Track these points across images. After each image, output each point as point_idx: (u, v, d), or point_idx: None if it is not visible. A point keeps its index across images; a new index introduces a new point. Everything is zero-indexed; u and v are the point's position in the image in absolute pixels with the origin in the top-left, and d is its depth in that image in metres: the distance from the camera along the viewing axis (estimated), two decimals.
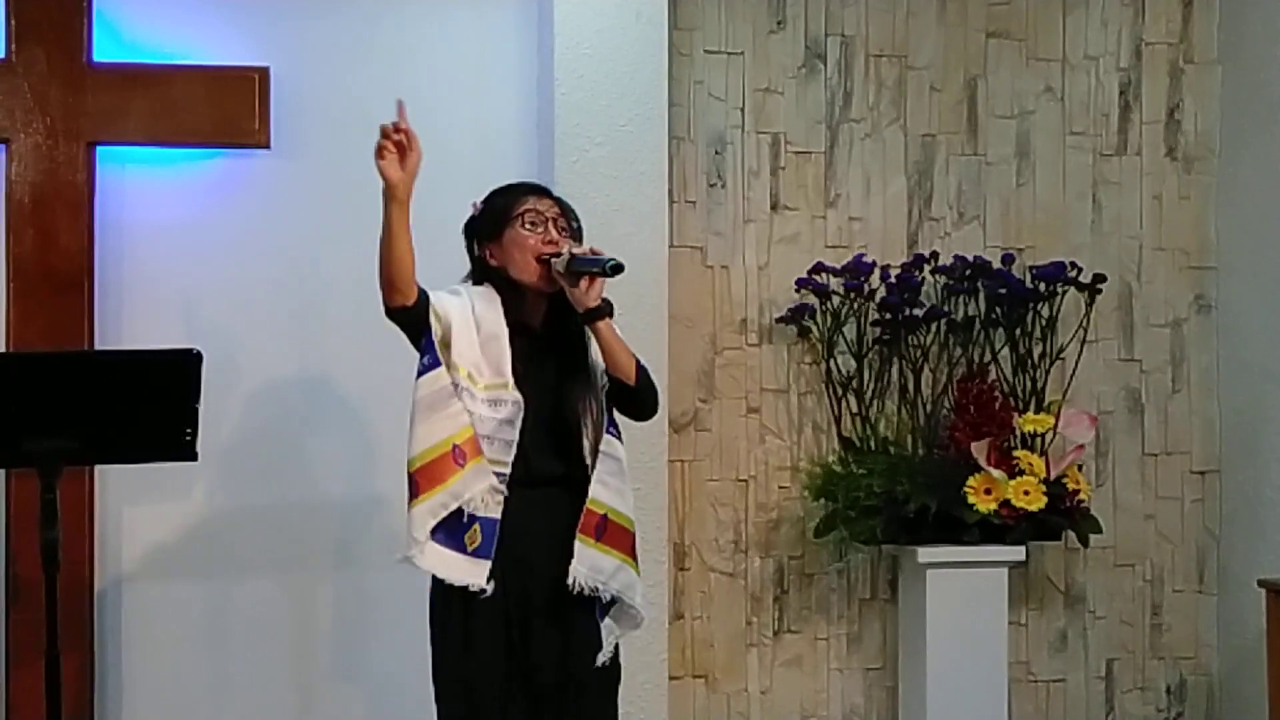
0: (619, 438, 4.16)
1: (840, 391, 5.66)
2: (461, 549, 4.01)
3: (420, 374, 4.03)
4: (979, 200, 5.86)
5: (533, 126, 5.43)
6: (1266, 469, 5.77)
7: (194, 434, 4.36)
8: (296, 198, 5.33)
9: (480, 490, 3.99)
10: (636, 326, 4.99)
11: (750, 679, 5.70)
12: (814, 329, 5.65)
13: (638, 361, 4.18)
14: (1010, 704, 5.60)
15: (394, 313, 4.05)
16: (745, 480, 5.71)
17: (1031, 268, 5.72)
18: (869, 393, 5.68)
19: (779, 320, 5.67)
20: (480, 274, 4.22)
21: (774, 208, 5.72)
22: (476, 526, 4.01)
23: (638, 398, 4.19)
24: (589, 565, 4.05)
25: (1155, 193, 5.98)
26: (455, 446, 3.98)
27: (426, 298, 4.07)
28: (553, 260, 4.08)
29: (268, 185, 5.31)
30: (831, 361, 5.66)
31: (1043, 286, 5.66)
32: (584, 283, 4.04)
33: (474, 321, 4.08)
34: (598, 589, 4.07)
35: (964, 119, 5.86)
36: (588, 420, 4.11)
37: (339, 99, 5.35)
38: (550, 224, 4.16)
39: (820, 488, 5.54)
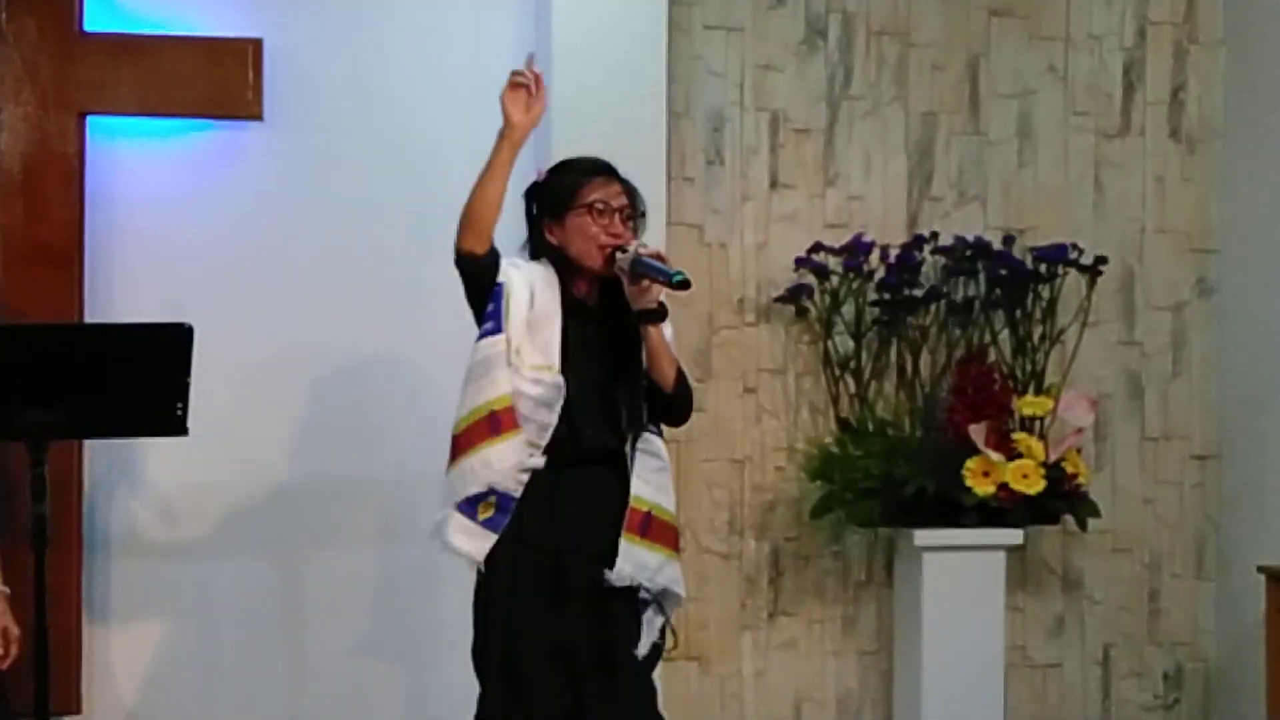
0: (660, 435, 4.19)
1: (838, 372, 5.63)
2: (473, 516, 4.00)
3: (480, 337, 4.04)
4: (980, 180, 5.82)
5: None
6: (1267, 455, 5.74)
7: (185, 408, 4.35)
8: (289, 170, 5.30)
9: (510, 465, 3.98)
10: None
11: (745, 661, 5.67)
12: (812, 309, 5.61)
13: (679, 370, 4.19)
14: (1006, 689, 5.58)
15: (464, 259, 4.04)
16: (741, 461, 5.68)
17: (1032, 249, 5.68)
18: (867, 374, 5.65)
19: (777, 300, 5.62)
20: (538, 247, 4.20)
21: (773, 186, 5.69)
22: (494, 499, 4.00)
23: (673, 405, 4.21)
24: (634, 562, 4.07)
25: (1158, 174, 5.94)
26: (493, 413, 3.99)
27: (498, 257, 4.06)
28: (618, 255, 4.07)
29: (260, 157, 5.27)
30: (829, 342, 5.62)
31: (1043, 268, 5.63)
32: (644, 282, 4.03)
33: (530, 299, 4.06)
34: (643, 584, 4.09)
35: (965, 98, 5.82)
36: (632, 402, 4.12)
37: (333, 71, 5.32)
38: (617, 215, 4.14)
39: (817, 469, 5.51)
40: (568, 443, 4.06)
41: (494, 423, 3.98)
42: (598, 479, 4.10)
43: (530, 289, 4.08)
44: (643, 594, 4.13)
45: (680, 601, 4.26)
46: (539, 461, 4.03)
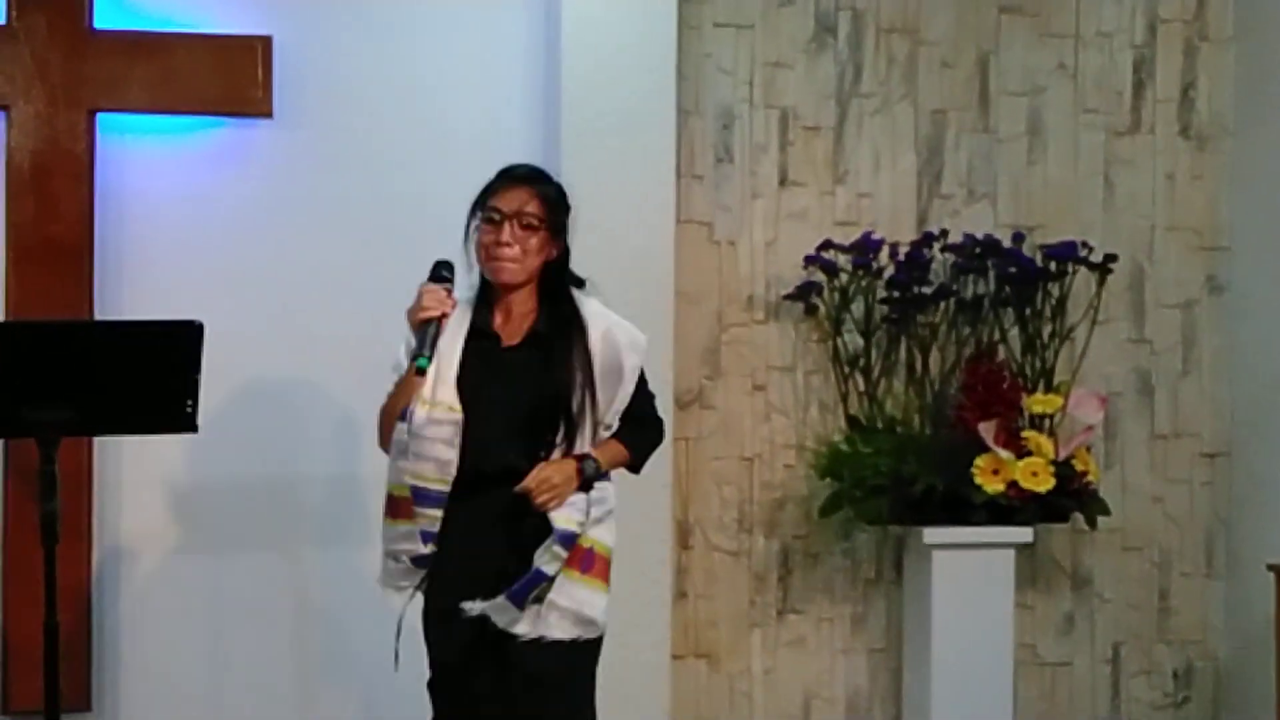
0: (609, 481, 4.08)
1: (847, 370, 5.62)
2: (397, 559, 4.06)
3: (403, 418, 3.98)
4: (990, 178, 5.82)
5: (540, 99, 5.39)
6: (1277, 453, 5.74)
7: (195, 405, 4.32)
8: (299, 167, 5.30)
9: (403, 548, 4.00)
10: (642, 302, 4.95)
11: (754, 659, 5.67)
12: (821, 306, 5.61)
13: (634, 446, 4.09)
14: (1016, 687, 5.57)
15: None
16: (750, 459, 5.67)
17: (1042, 247, 5.68)
18: (876, 371, 5.64)
19: (786, 297, 5.62)
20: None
21: (782, 183, 5.68)
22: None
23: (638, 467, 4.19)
24: (572, 599, 3.93)
25: (1168, 172, 5.93)
26: (390, 496, 4.00)
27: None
28: (426, 283, 3.98)
29: (270, 155, 5.28)
30: (839, 339, 5.62)
31: (1053, 266, 5.62)
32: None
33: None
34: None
35: (975, 95, 5.82)
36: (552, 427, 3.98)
37: (342, 69, 5.33)
38: (511, 222, 3.97)
39: (826, 467, 5.51)
40: (471, 471, 3.94)
41: (391, 505, 4.00)
42: (496, 504, 3.95)
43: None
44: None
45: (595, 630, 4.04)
46: (424, 550, 3.97)
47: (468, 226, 4.05)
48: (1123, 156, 5.90)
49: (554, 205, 4.03)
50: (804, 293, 5.59)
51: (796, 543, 5.70)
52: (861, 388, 5.64)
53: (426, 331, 3.87)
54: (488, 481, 3.94)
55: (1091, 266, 5.65)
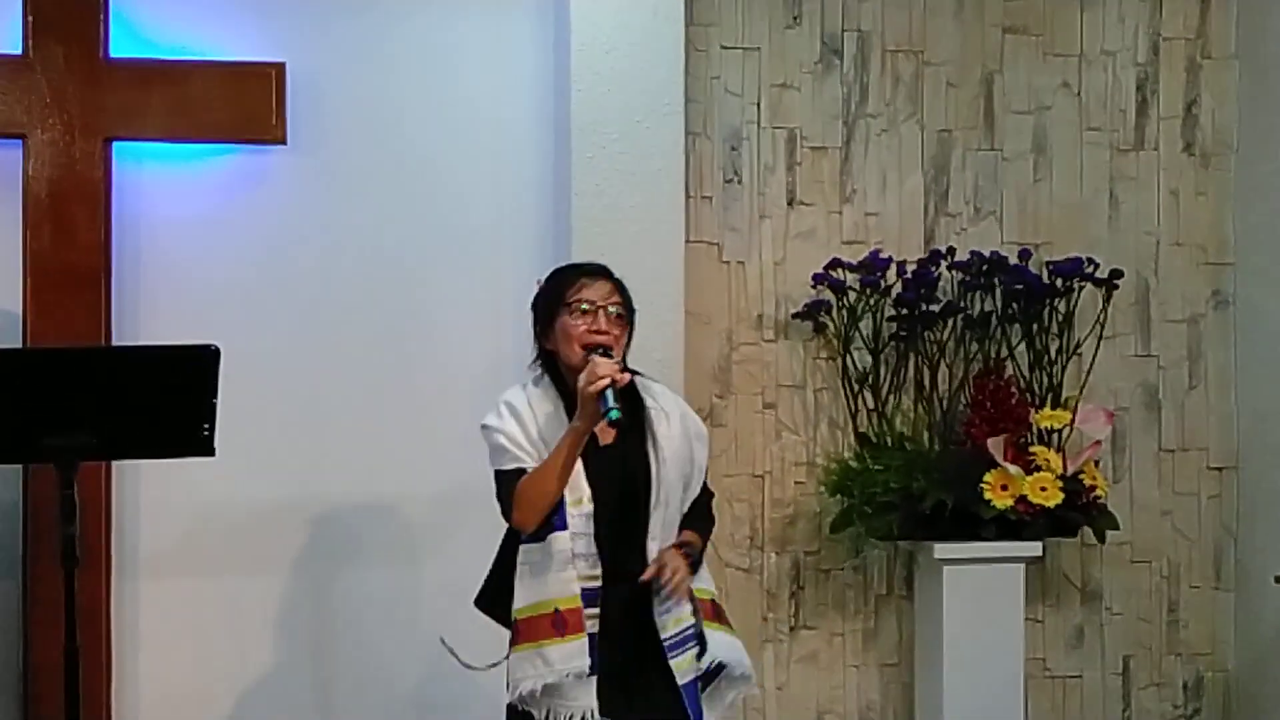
0: None
1: (856, 387, 5.66)
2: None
3: (544, 534, 4.05)
4: (996, 196, 5.86)
5: (549, 122, 5.43)
6: None
7: (211, 429, 4.36)
8: (313, 193, 5.34)
9: (568, 667, 4.01)
10: (653, 322, 4.99)
11: (766, 675, 5.69)
12: (830, 325, 5.65)
13: (704, 534, 4.30)
14: (1027, 700, 5.60)
15: (511, 526, 4.13)
16: (761, 476, 5.71)
17: (1048, 263, 5.71)
18: (885, 388, 5.68)
19: (795, 316, 5.66)
20: (543, 360, 4.22)
21: (790, 203, 5.72)
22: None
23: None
24: (723, 645, 4.20)
25: (1172, 188, 5.97)
26: (558, 611, 4.02)
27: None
28: (595, 355, 4.05)
29: (284, 181, 5.32)
30: (848, 357, 5.65)
31: (1059, 282, 5.66)
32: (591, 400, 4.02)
33: (541, 444, 4.09)
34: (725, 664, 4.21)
35: (980, 114, 5.86)
36: (656, 517, 4.13)
37: (356, 95, 5.37)
38: (601, 313, 4.13)
39: (836, 483, 5.54)
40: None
41: (558, 621, 4.01)
42: (628, 595, 4.09)
43: (535, 442, 4.09)
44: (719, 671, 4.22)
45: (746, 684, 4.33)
46: (585, 666, 4.01)
47: (547, 323, 4.17)
48: (1127, 173, 5.94)
49: (628, 298, 4.22)
50: (813, 311, 5.62)
51: (808, 559, 5.73)
52: (871, 405, 5.67)
53: (610, 391, 3.97)
54: (612, 577, 4.09)
55: (1097, 282, 5.69)
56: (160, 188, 5.24)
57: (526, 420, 4.12)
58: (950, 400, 5.72)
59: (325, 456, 5.33)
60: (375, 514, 5.35)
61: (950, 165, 5.83)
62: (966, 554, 5.45)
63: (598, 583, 4.06)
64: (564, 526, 4.02)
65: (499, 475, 4.13)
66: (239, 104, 5.16)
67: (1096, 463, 5.61)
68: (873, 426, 5.65)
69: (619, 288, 4.20)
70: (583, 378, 3.99)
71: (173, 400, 4.33)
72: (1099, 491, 5.54)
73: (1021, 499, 5.39)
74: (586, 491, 4.06)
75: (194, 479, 5.13)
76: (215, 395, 4.34)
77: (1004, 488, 5.39)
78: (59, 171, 5.05)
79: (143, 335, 5.16)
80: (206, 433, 4.36)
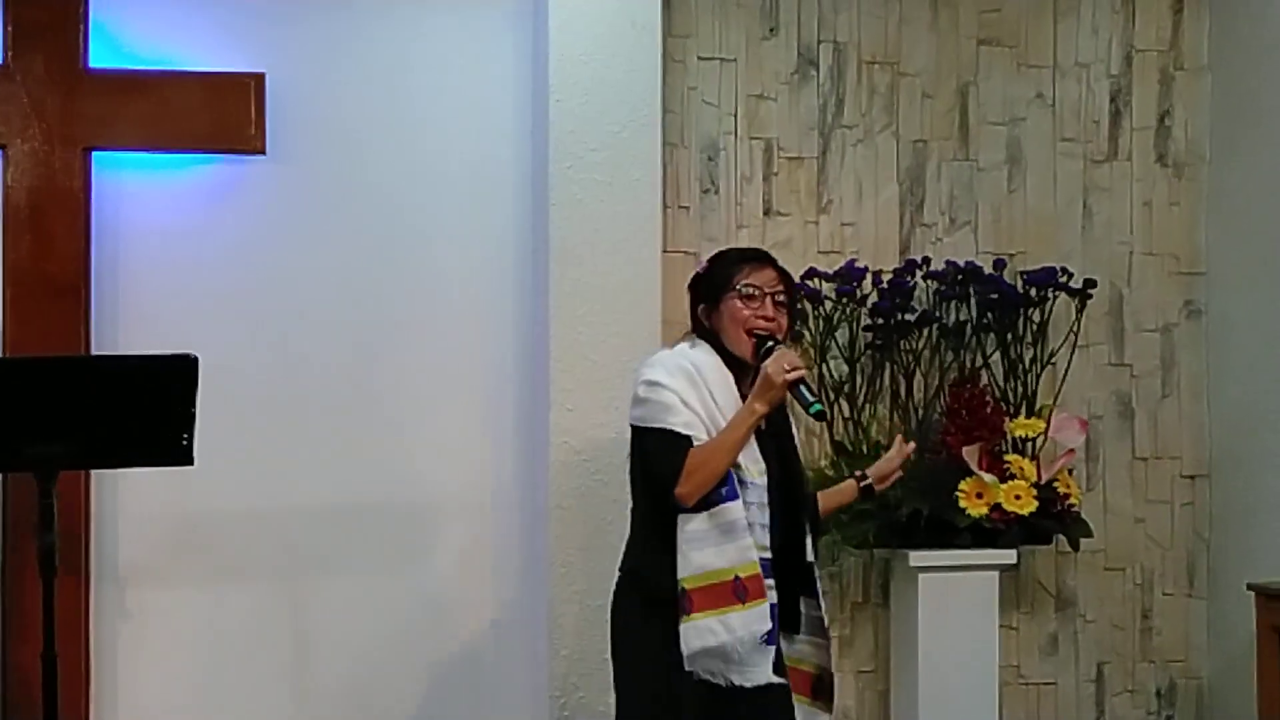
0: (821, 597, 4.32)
1: (832, 396, 5.68)
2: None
3: (719, 501, 4.08)
4: (970, 206, 5.89)
5: (528, 133, 5.45)
6: (1256, 473, 5.79)
7: (190, 438, 4.37)
8: (292, 203, 5.35)
9: (749, 632, 4.05)
10: (630, 331, 5.03)
11: None
12: (806, 334, 5.67)
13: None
14: (1001, 707, 5.61)
15: (674, 501, 4.11)
16: None
17: (1022, 273, 5.74)
18: (861, 397, 5.70)
19: None
20: (700, 334, 4.28)
21: (767, 213, 5.75)
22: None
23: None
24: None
25: (1145, 199, 6.00)
26: (738, 579, 4.05)
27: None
28: (766, 344, 4.16)
29: (263, 191, 5.33)
30: (824, 366, 5.67)
31: (1034, 292, 5.69)
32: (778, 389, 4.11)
33: (715, 414, 4.13)
34: None
35: (955, 125, 5.89)
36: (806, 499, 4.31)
37: (335, 105, 5.38)
38: (769, 299, 4.22)
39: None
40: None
41: (739, 589, 4.03)
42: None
43: (708, 406, 4.14)
44: None
45: None
46: (767, 629, 4.06)
47: (712, 304, 4.25)
48: (1101, 184, 5.98)
49: (792, 285, 4.35)
50: None
51: None
52: (847, 413, 5.69)
53: (805, 384, 4.11)
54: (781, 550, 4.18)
55: (1071, 292, 5.72)
56: (140, 197, 5.24)
57: (699, 382, 4.15)
58: (926, 409, 5.75)
59: (304, 466, 5.33)
60: (354, 524, 5.36)
61: (926, 176, 5.86)
62: (942, 562, 5.47)
63: (769, 554, 4.11)
64: (735, 497, 4.05)
65: (664, 434, 4.10)
66: (218, 114, 5.17)
67: (1070, 471, 5.64)
68: (849, 435, 5.68)
69: (783, 276, 4.30)
70: (770, 364, 4.08)
71: (152, 409, 4.35)
72: (1073, 499, 5.57)
73: (996, 507, 5.41)
74: (762, 464, 4.13)
75: (173, 488, 5.14)
76: (194, 404, 4.35)
77: (979, 496, 5.42)
78: (38, 181, 5.06)
79: (122, 344, 5.16)
80: (185, 442, 4.37)
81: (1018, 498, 5.41)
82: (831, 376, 5.68)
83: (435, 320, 5.43)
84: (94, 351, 5.09)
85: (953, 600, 5.48)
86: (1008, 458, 5.50)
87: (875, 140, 5.82)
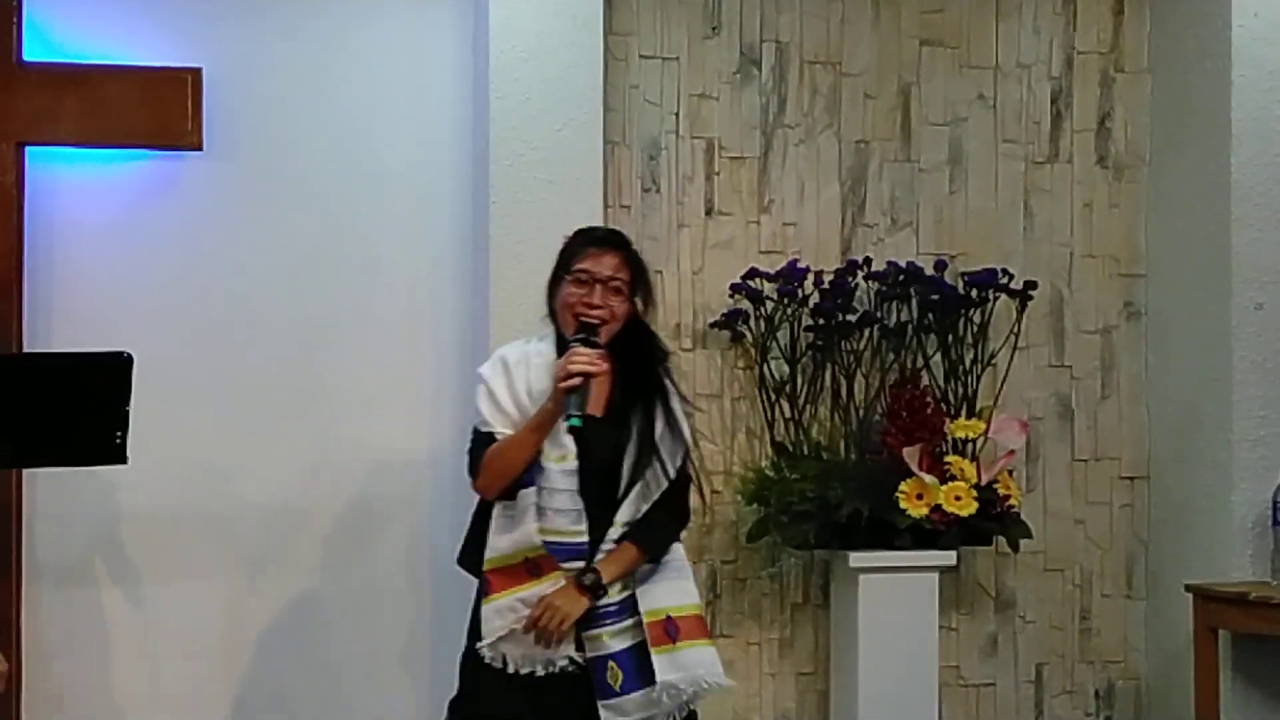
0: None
1: (773, 396, 5.68)
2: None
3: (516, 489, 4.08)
4: (912, 207, 5.89)
5: (468, 130, 5.43)
6: (1195, 475, 5.82)
7: (124, 437, 4.34)
8: (229, 200, 5.32)
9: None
10: None
11: None
12: (748, 334, 5.67)
13: (649, 545, 4.20)
14: (941, 708, 5.62)
15: (477, 490, 4.16)
16: None
17: (963, 274, 5.75)
18: (802, 398, 5.70)
19: (713, 325, 5.68)
20: (550, 315, 4.24)
21: (708, 213, 5.74)
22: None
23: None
24: (677, 668, 4.16)
25: (1086, 200, 6.03)
26: (528, 560, 4.06)
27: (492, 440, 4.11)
28: (579, 335, 4.08)
29: (200, 187, 5.29)
30: (765, 366, 5.67)
31: (974, 293, 5.69)
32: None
33: (524, 407, 4.09)
34: (694, 690, 4.20)
35: (897, 126, 5.90)
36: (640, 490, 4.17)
37: (272, 101, 5.34)
38: (600, 286, 4.14)
39: (753, 493, 5.56)
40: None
41: (531, 567, 4.05)
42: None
43: (519, 399, 4.11)
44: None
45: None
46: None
47: (551, 285, 4.20)
48: (1041, 185, 5.99)
49: (639, 270, 4.23)
50: (730, 321, 5.64)
51: (725, 567, 5.74)
52: (787, 414, 5.69)
53: (582, 391, 3.98)
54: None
55: (1012, 293, 5.73)
56: (74, 193, 5.19)
57: (516, 377, 4.14)
58: (866, 410, 5.75)
59: (239, 465, 5.30)
60: (289, 524, 5.33)
61: (867, 176, 5.86)
62: (882, 563, 5.47)
63: (574, 539, 4.07)
64: (530, 484, 4.04)
65: (474, 432, 4.16)
66: (154, 109, 5.11)
67: (1010, 472, 5.66)
68: (789, 436, 5.67)
69: (630, 263, 4.21)
70: (557, 366, 4.03)
71: (85, 408, 4.32)
72: (1013, 501, 5.59)
73: (936, 508, 5.42)
74: (572, 449, 4.07)
75: (106, 487, 5.10)
76: (128, 403, 4.33)
77: (919, 497, 5.43)
78: None
79: (56, 342, 5.11)
80: (119, 440, 4.35)
81: (958, 499, 5.42)
82: (773, 377, 5.67)
83: (375, 318, 5.40)
84: (27, 349, 5.03)
85: (893, 601, 5.48)
86: (948, 459, 5.52)
87: (817, 140, 5.82)
